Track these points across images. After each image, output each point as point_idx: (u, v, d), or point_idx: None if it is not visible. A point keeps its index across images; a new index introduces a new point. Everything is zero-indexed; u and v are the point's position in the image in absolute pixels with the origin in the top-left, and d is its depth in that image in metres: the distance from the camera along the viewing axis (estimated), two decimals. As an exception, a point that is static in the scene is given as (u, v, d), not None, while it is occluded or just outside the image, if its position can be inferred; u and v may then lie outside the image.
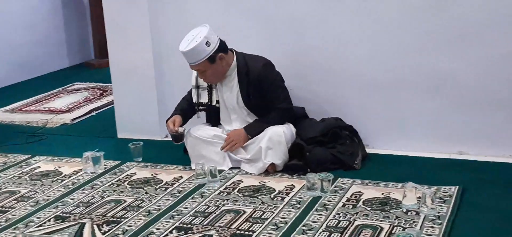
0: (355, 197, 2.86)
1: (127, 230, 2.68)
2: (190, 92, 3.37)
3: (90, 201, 3.02)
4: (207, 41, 3.01)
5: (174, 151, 3.56)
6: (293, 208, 2.79)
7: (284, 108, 3.24)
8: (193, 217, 2.75)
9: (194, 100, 3.25)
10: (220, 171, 3.17)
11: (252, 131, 3.20)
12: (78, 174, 3.41)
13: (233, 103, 3.28)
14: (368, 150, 3.38)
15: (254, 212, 2.77)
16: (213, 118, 3.35)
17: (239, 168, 3.22)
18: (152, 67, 3.81)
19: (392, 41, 3.29)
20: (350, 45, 3.38)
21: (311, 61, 3.46)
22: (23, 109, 4.93)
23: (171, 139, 3.29)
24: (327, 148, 3.20)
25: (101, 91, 5.39)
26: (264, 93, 3.19)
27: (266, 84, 3.15)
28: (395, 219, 2.61)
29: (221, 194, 2.97)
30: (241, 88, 3.19)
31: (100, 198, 3.06)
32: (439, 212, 2.64)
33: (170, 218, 2.76)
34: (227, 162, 3.26)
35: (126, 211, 2.87)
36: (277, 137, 3.14)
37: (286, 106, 3.25)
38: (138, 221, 2.75)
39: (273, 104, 3.22)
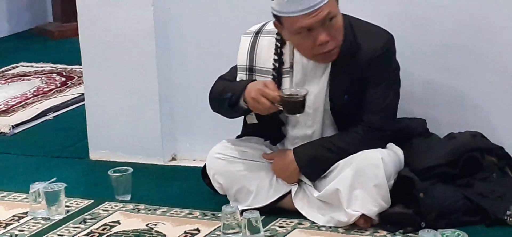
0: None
1: None
2: (226, 78, 3.35)
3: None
4: None
5: (186, 184, 3.66)
6: None
7: (379, 126, 3.20)
8: None
9: None
10: (269, 218, 3.22)
11: (310, 165, 3.22)
12: (22, 220, 3.43)
13: (316, 104, 3.23)
14: (532, 191, 3.38)
15: None
16: (270, 127, 3.32)
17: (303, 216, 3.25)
18: (153, 39, 3.88)
19: None
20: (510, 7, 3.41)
21: (438, 32, 3.53)
22: None
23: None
24: (457, 185, 3.20)
25: (62, 79, 5.46)
26: (364, 89, 3.18)
27: (374, 75, 3.17)
28: None
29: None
30: (336, 79, 3.18)
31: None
32: None
33: None
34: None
35: None
36: (371, 169, 3.10)
37: (383, 123, 3.20)
38: None
39: (365, 112, 3.20)
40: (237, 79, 3.29)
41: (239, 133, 3.45)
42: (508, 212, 3.13)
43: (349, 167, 3.13)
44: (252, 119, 3.29)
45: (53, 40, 6.58)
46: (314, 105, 3.21)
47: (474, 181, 3.20)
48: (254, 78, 3.25)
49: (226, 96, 3.20)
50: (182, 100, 3.91)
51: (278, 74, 3.22)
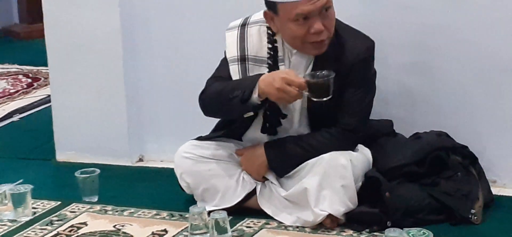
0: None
1: None
2: (218, 78, 3.30)
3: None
4: None
5: (153, 185, 3.68)
6: None
7: (353, 128, 3.21)
8: None
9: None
10: (237, 218, 3.21)
11: (279, 159, 3.22)
12: (-13, 223, 3.41)
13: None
14: (495, 190, 3.38)
15: None
16: (269, 120, 3.27)
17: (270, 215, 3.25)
18: (119, 39, 3.88)
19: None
20: (477, 5, 3.44)
21: (403, 33, 3.55)
22: None
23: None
24: (423, 184, 3.21)
25: (29, 81, 5.44)
26: (342, 92, 3.18)
27: (354, 78, 3.18)
28: None
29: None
30: None
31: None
32: None
33: None
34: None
35: None
36: (339, 170, 3.11)
37: (357, 125, 3.21)
38: None
39: (341, 114, 3.20)
40: (231, 72, 3.25)
41: (206, 133, 3.43)
42: (472, 211, 3.15)
43: (318, 167, 3.13)
44: (249, 113, 3.25)
45: (19, 41, 6.57)
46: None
47: (439, 180, 3.21)
48: (247, 68, 3.23)
49: (234, 95, 3.13)
50: (150, 101, 3.90)
51: (273, 63, 3.21)
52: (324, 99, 3.06)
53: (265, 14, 3.15)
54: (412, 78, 3.55)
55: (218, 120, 3.42)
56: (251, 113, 3.20)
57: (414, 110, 3.56)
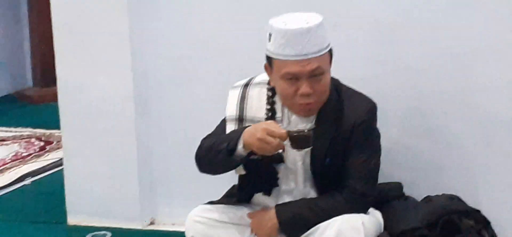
0: None
1: None
2: (213, 135, 3.28)
3: None
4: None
5: None
6: None
7: (361, 193, 3.16)
8: None
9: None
10: None
11: (291, 222, 3.15)
12: None
13: (297, 161, 3.21)
14: (511, 257, 3.41)
15: None
16: (263, 180, 3.26)
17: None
18: (132, 104, 3.91)
19: None
20: (486, 69, 3.44)
21: (415, 96, 3.56)
22: None
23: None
24: None
25: (42, 144, 5.43)
26: (346, 155, 3.15)
27: (357, 141, 3.14)
28: None
29: None
30: (318, 140, 3.13)
31: None
32: None
33: None
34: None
35: None
36: (352, 233, 3.04)
37: (366, 190, 3.17)
38: None
39: (347, 178, 3.15)
40: (227, 131, 3.24)
41: (218, 196, 3.40)
42: (485, 275, 3.11)
43: (330, 230, 3.06)
44: (240, 170, 3.23)
45: (33, 104, 6.57)
46: (294, 160, 3.19)
47: (452, 245, 3.19)
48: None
49: (221, 147, 3.12)
50: (161, 164, 3.90)
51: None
52: (305, 150, 3.07)
53: (265, 66, 3.14)
54: (423, 142, 3.55)
55: (231, 185, 3.40)
56: (241, 169, 3.19)
57: (425, 173, 3.55)
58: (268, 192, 3.25)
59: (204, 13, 3.76)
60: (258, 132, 3.01)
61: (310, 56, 2.99)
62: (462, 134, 3.50)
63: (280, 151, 3.09)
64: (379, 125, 3.24)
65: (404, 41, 3.51)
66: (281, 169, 3.20)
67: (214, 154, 3.14)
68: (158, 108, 3.91)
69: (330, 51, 3.06)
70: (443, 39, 3.42)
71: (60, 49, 3.96)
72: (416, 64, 3.49)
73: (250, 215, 3.26)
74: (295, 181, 3.22)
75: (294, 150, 3.11)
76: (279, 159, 3.16)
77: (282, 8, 3.49)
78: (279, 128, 3.02)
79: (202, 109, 3.75)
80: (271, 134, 2.99)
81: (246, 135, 3.06)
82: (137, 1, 3.83)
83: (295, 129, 3.03)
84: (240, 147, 3.05)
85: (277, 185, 3.23)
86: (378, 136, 3.23)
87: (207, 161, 3.21)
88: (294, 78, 3.01)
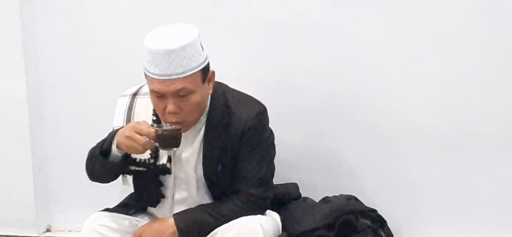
0: None
1: None
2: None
3: None
4: (201, 43, 2.99)
5: None
6: None
7: (257, 197, 3.17)
8: None
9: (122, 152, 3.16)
10: None
11: (190, 228, 3.13)
12: None
13: (188, 170, 3.19)
14: (404, 254, 3.42)
15: None
16: (149, 192, 3.25)
17: None
18: (26, 109, 3.89)
19: (464, 73, 3.44)
20: (380, 71, 3.51)
21: (311, 99, 3.59)
22: None
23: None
24: None
25: None
26: (238, 160, 3.16)
27: (247, 146, 3.14)
28: None
29: None
30: (208, 148, 3.14)
31: None
32: None
33: None
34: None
35: None
36: (251, 235, 3.04)
37: (261, 194, 3.18)
38: None
39: (241, 183, 3.15)
40: None
41: (115, 203, 3.37)
42: (382, 275, 3.16)
43: (229, 233, 3.08)
44: (126, 182, 3.23)
45: None
46: (185, 170, 3.19)
47: (349, 244, 3.22)
48: None
49: (98, 151, 3.10)
50: (57, 170, 3.88)
51: None
52: (173, 149, 3.07)
53: (145, 76, 3.11)
54: (320, 143, 3.59)
55: (128, 192, 3.38)
56: (127, 181, 3.20)
57: (323, 174, 3.59)
58: (154, 204, 3.25)
59: (98, 16, 3.74)
60: (126, 130, 2.99)
61: (173, 77, 2.95)
62: (360, 135, 3.56)
63: (166, 163, 3.11)
64: (276, 126, 3.25)
65: (301, 44, 3.54)
66: (170, 180, 3.20)
67: (94, 159, 3.13)
68: (53, 113, 3.88)
69: (205, 68, 3.00)
70: (340, 41, 3.47)
71: None
72: (312, 67, 3.52)
73: (145, 226, 3.21)
74: (188, 190, 3.22)
75: (184, 160, 3.14)
76: (165, 170, 3.17)
77: (179, 12, 3.47)
78: (149, 127, 2.99)
79: (97, 114, 3.73)
80: (139, 132, 2.97)
81: (118, 135, 3.04)
82: (29, 4, 3.79)
83: (163, 128, 2.99)
84: (113, 147, 3.04)
85: (163, 197, 3.23)
86: (269, 137, 3.24)
87: (90, 168, 3.19)
88: (161, 95, 2.98)
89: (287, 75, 3.56)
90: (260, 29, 3.56)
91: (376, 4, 3.42)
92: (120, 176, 3.21)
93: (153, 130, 2.95)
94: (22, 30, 3.76)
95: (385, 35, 3.44)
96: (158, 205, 3.26)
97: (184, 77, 2.94)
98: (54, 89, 3.84)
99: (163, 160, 3.14)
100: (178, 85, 2.94)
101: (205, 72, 3.00)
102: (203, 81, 3.00)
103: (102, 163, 3.08)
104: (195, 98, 2.99)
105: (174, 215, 3.16)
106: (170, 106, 2.97)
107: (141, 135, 2.95)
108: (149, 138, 2.94)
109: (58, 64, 3.79)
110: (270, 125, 3.23)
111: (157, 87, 2.95)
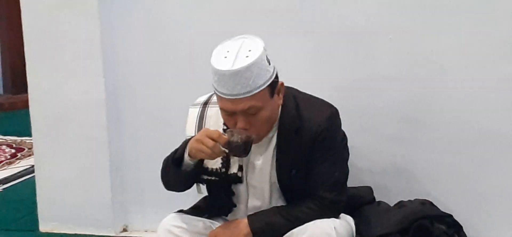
0: None
1: None
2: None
3: None
4: (267, 57, 2.94)
5: None
6: None
7: (330, 200, 3.15)
8: None
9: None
10: None
11: (264, 230, 3.12)
12: None
13: (262, 178, 3.19)
14: (481, 261, 3.44)
15: None
16: (221, 201, 3.26)
17: None
18: (104, 110, 3.91)
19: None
20: (455, 75, 3.47)
21: (385, 102, 3.57)
22: None
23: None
24: None
25: (13, 151, 5.47)
26: (311, 164, 3.13)
27: (319, 149, 3.11)
28: None
29: None
30: (281, 154, 3.13)
31: None
32: None
33: None
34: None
35: None
36: None
37: (335, 197, 3.16)
38: None
39: (314, 187, 3.13)
40: None
41: (191, 204, 3.39)
42: (457, 280, 3.13)
43: (302, 236, 3.06)
44: (200, 190, 3.24)
45: (4, 112, 6.61)
46: (259, 178, 3.18)
47: (424, 248, 3.19)
48: None
49: (171, 159, 3.12)
50: (134, 170, 3.91)
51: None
52: (243, 157, 3.04)
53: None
54: (394, 147, 3.57)
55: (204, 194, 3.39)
56: (201, 189, 3.21)
57: (398, 178, 3.57)
58: (226, 213, 3.25)
59: (176, 19, 3.77)
60: (198, 135, 3.01)
61: (241, 97, 2.93)
62: (437, 140, 3.52)
63: (237, 172, 3.11)
64: (350, 130, 3.23)
65: (375, 48, 3.52)
66: (242, 188, 3.20)
67: (168, 168, 3.15)
68: (130, 114, 3.91)
69: (272, 82, 2.96)
70: (415, 45, 3.44)
71: (31, 56, 3.94)
72: (386, 71, 3.50)
73: (219, 228, 3.20)
74: (262, 198, 3.21)
75: (258, 168, 3.13)
76: (236, 179, 3.16)
77: (254, 17, 3.49)
78: (220, 134, 2.98)
79: (175, 115, 3.70)
80: (210, 136, 2.96)
81: (189, 142, 3.05)
82: (108, 7, 3.83)
83: (234, 134, 2.97)
84: (186, 155, 3.05)
85: (235, 206, 3.22)
86: (342, 140, 3.21)
87: (165, 177, 3.21)
88: (230, 113, 2.97)
89: (361, 80, 3.54)
90: (334, 33, 3.54)
91: (451, 7, 3.38)
92: (194, 185, 3.23)
93: (224, 136, 2.95)
94: (101, 32, 3.80)
95: (460, 39, 3.39)
96: (231, 214, 3.26)
97: (251, 95, 2.92)
98: (132, 91, 3.88)
99: (234, 169, 3.14)
100: (246, 104, 2.92)
101: (273, 85, 2.97)
102: (272, 95, 2.98)
103: (175, 172, 3.09)
104: (264, 114, 2.98)
105: (248, 216, 3.15)
106: (240, 123, 2.96)
107: (211, 139, 2.96)
108: (218, 142, 2.95)
109: (136, 66, 3.83)
110: (344, 128, 3.21)
111: (226, 105, 2.94)
